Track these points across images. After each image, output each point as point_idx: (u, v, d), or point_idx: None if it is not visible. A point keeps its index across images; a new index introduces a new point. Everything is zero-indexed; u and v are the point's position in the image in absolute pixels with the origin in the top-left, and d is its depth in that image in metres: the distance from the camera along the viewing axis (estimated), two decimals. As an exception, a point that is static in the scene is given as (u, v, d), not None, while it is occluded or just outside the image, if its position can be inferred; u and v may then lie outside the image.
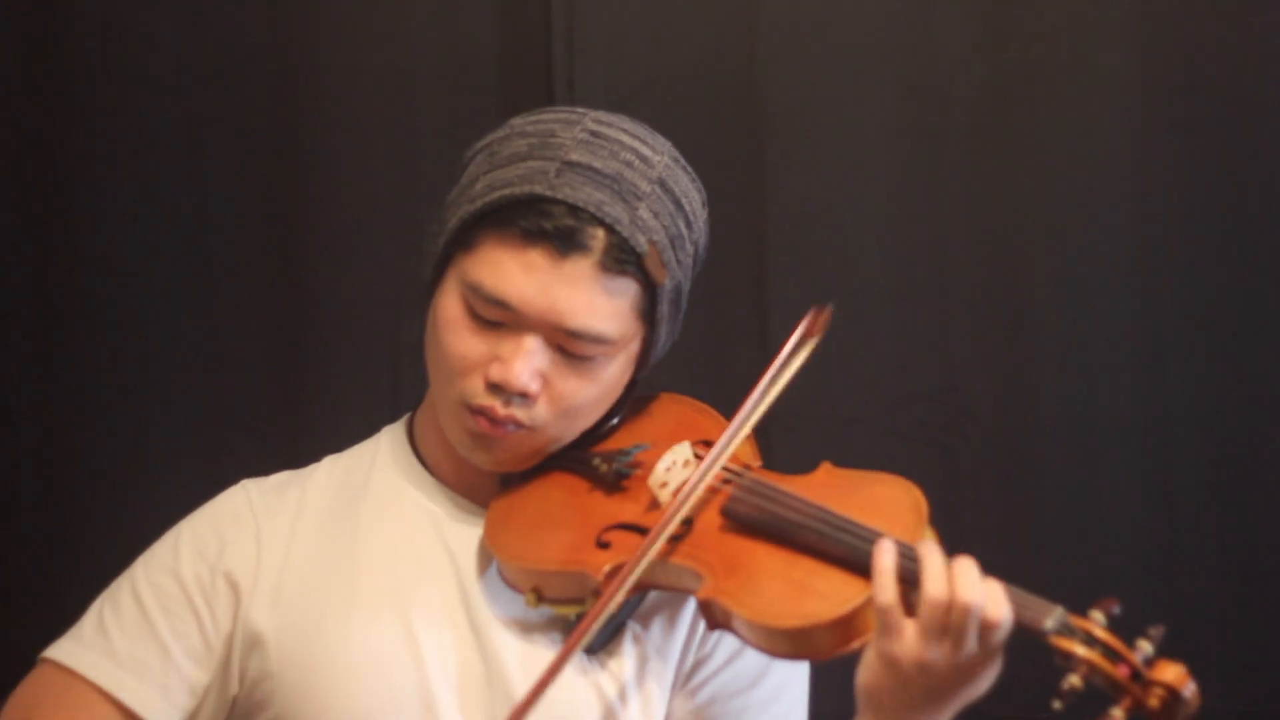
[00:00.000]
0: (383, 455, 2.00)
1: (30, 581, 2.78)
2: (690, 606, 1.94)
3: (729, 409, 2.85)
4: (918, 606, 1.73)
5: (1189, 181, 2.84)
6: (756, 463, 1.95)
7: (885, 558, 1.74)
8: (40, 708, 1.90)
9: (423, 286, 1.95)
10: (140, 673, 1.90)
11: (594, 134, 1.88)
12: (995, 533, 2.82)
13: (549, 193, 1.83)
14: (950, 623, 1.71)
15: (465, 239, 1.87)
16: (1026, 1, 2.84)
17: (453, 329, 1.87)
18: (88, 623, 1.94)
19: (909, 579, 1.74)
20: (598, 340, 1.86)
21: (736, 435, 1.90)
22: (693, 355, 2.84)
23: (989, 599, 1.72)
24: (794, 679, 1.97)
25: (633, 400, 2.00)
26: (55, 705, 1.90)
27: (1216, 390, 2.83)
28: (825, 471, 1.94)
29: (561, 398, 1.88)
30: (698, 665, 1.93)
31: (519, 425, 1.88)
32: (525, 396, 1.86)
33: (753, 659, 1.93)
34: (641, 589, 1.87)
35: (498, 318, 1.86)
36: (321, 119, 2.82)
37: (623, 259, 1.85)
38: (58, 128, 2.81)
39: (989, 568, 2.81)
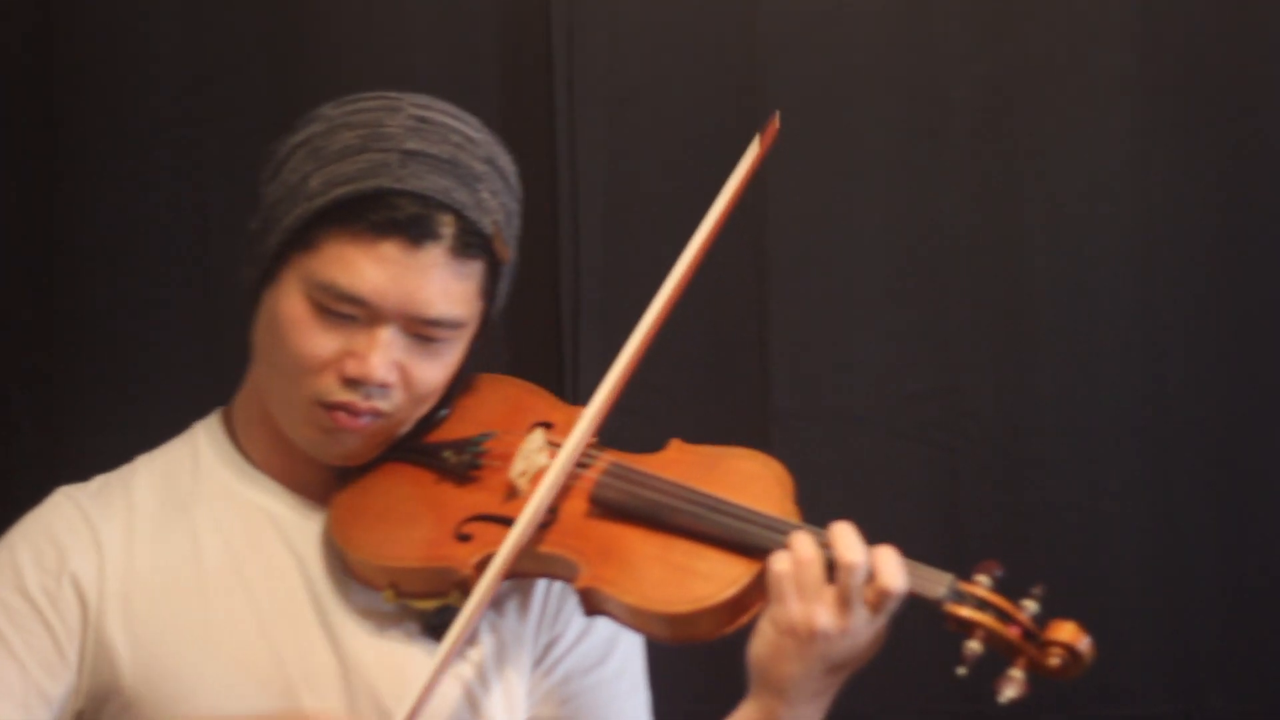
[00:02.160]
0: (205, 454, 1.96)
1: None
2: (539, 589, 1.94)
3: (729, 408, 2.86)
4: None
5: (1189, 181, 2.84)
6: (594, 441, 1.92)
7: (803, 545, 1.77)
8: None
9: (244, 287, 1.92)
10: (1, 694, 1.86)
11: (420, 119, 1.87)
12: (995, 533, 2.82)
13: (396, 185, 1.82)
14: (836, 585, 1.75)
15: (305, 238, 1.85)
16: (1026, 1, 2.84)
17: (300, 328, 1.85)
18: None
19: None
20: (454, 325, 1.86)
21: (595, 419, 1.88)
22: (693, 355, 2.85)
23: (881, 564, 1.76)
24: (635, 650, 1.99)
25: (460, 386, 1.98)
26: None
27: (1216, 390, 2.83)
28: (677, 449, 1.92)
29: (416, 384, 1.87)
30: (550, 646, 1.94)
31: (378, 415, 1.87)
32: (384, 387, 1.85)
33: (599, 635, 1.95)
34: (514, 578, 1.86)
35: (352, 313, 1.84)
36: (321, 119, 2.82)
37: (472, 243, 1.85)
38: (58, 128, 2.81)
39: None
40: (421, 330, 1.86)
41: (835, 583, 1.76)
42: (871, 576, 1.76)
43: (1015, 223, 2.84)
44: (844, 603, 1.76)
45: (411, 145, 1.85)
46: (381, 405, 1.86)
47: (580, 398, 2.78)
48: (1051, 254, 2.84)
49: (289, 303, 1.86)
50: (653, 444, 1.96)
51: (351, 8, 2.82)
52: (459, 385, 1.95)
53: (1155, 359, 2.83)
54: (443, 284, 1.85)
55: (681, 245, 2.84)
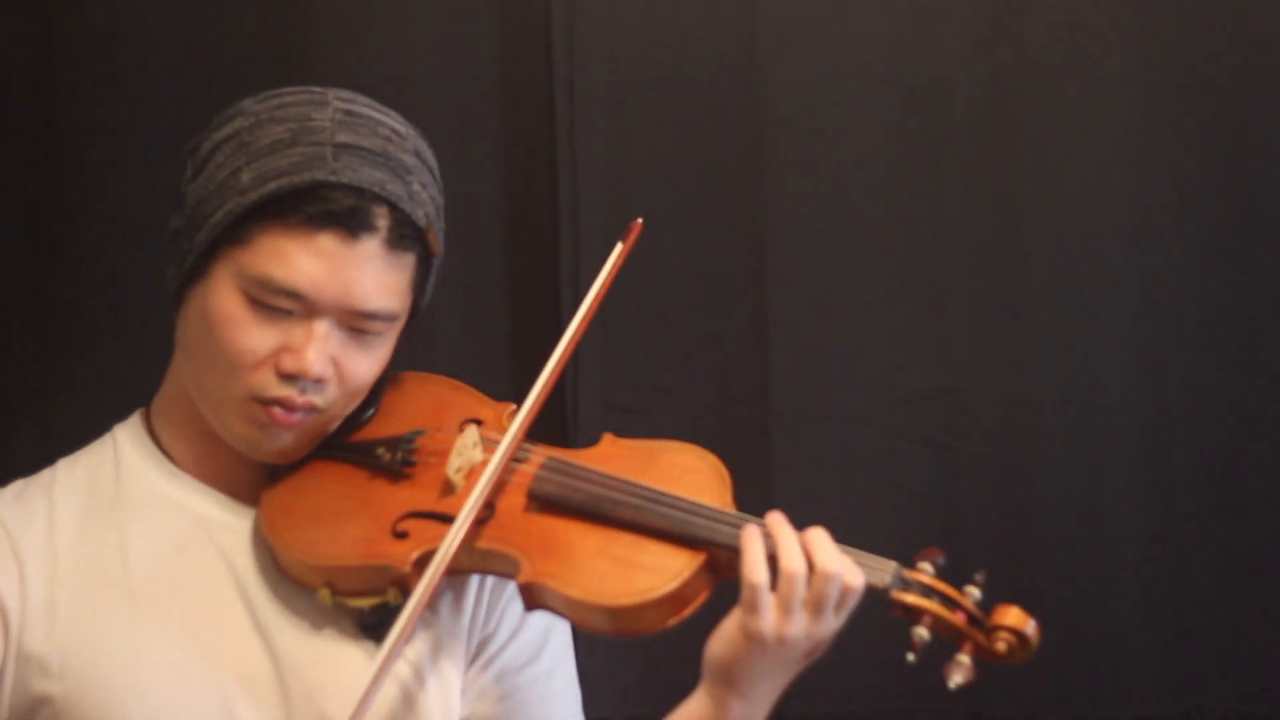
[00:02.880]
0: (127, 456, 1.94)
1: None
2: (473, 586, 1.93)
3: (729, 409, 2.86)
4: (775, 581, 1.77)
5: (1189, 181, 2.83)
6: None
7: (753, 541, 1.77)
8: None
9: (168, 286, 1.91)
10: None
11: (348, 113, 1.87)
12: (995, 533, 2.81)
13: (331, 177, 1.81)
14: (811, 594, 1.76)
15: (237, 233, 1.83)
16: (1026, 1, 2.84)
17: (234, 325, 1.84)
18: None
19: (729, 544, 1.78)
20: (389, 318, 1.86)
21: (532, 412, 1.88)
22: (692, 355, 2.85)
23: (845, 567, 1.77)
24: (566, 647, 1.99)
25: (386, 384, 1.97)
26: None
27: (1216, 390, 2.83)
28: (610, 443, 1.93)
29: (351, 377, 1.87)
30: (484, 643, 1.94)
31: (312, 410, 1.86)
32: (319, 381, 1.84)
33: (532, 632, 1.95)
34: (454, 575, 1.85)
35: (288, 307, 1.83)
36: (321, 119, 2.82)
37: (406, 235, 1.85)
38: (58, 128, 2.81)
39: (988, 568, 2.82)
40: (357, 323, 1.85)
41: (810, 590, 1.77)
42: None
43: (1015, 223, 2.84)
44: (817, 610, 1.77)
45: (343, 138, 1.84)
46: (316, 400, 1.85)
47: (579, 397, 2.79)
48: (1051, 254, 2.84)
49: (220, 299, 1.84)
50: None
51: (351, 8, 2.82)
52: (385, 382, 1.94)
53: (1155, 359, 2.83)
54: (378, 276, 1.84)
55: (681, 245, 2.85)
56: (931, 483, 2.84)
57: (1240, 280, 2.83)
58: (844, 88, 2.84)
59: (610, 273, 1.91)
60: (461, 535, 1.81)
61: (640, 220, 1.95)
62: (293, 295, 1.82)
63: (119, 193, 2.82)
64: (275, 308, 1.83)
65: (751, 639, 1.77)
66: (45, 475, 1.96)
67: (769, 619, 1.76)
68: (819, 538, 1.78)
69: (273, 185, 1.82)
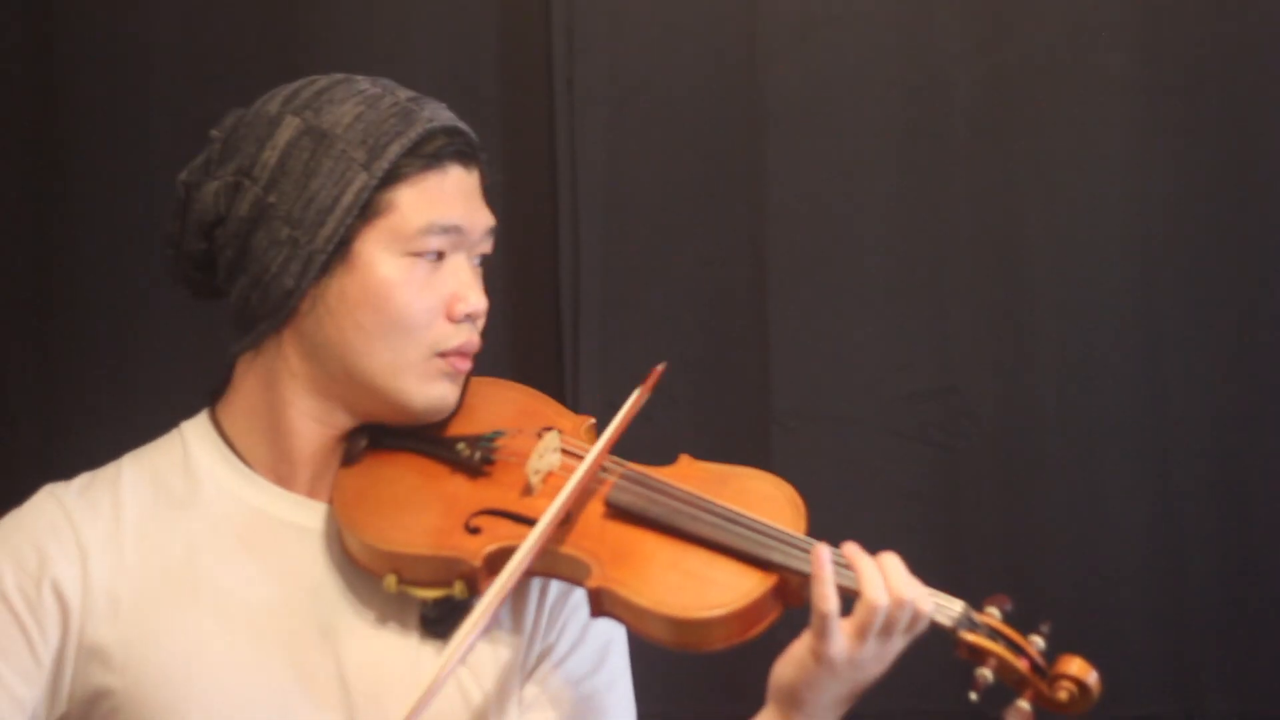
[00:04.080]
0: (195, 454, 1.96)
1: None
2: (533, 597, 1.94)
3: (730, 409, 2.86)
4: (853, 607, 1.77)
5: (1189, 181, 2.83)
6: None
7: (825, 567, 1.78)
8: None
9: (284, 291, 1.91)
10: None
11: (373, 80, 1.96)
12: (995, 533, 2.82)
13: (430, 124, 1.91)
14: (887, 621, 1.77)
15: (370, 208, 1.89)
16: (1026, 1, 2.84)
17: (401, 289, 1.89)
18: None
19: (842, 582, 1.78)
20: (494, 233, 1.97)
21: (625, 421, 1.90)
22: (692, 355, 2.85)
23: (919, 594, 1.78)
24: (625, 663, 2.00)
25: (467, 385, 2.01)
26: None
27: (1216, 390, 2.83)
28: (686, 463, 1.94)
29: (485, 313, 1.95)
30: (544, 654, 1.95)
31: (478, 348, 1.94)
32: (481, 317, 1.93)
33: (592, 646, 1.96)
34: (527, 577, 1.87)
35: (443, 247, 1.90)
36: (321, 119, 2.82)
37: (482, 159, 1.96)
38: (58, 128, 2.81)
39: (989, 568, 2.82)
40: (483, 246, 1.94)
41: (885, 617, 1.78)
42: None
43: (1015, 223, 2.84)
44: (888, 635, 1.78)
45: (404, 94, 1.93)
46: (479, 337, 1.94)
47: (579, 397, 2.79)
48: (1051, 254, 2.84)
49: (376, 273, 1.89)
50: (653, 442, 1.97)
51: (352, 8, 2.83)
52: (466, 382, 1.97)
53: (1155, 359, 2.83)
54: (483, 196, 1.95)
55: (680, 246, 2.85)
56: (931, 483, 2.84)
57: (1240, 280, 2.83)
58: (844, 88, 2.84)
59: (627, 415, 1.92)
60: (542, 536, 1.82)
61: (663, 366, 1.98)
62: (450, 230, 1.90)
63: (119, 193, 2.82)
64: (429, 254, 1.90)
65: (822, 663, 1.78)
66: (111, 469, 1.98)
67: (839, 644, 1.77)
68: (893, 564, 1.79)
69: (395, 147, 1.89)
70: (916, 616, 1.78)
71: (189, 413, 2.63)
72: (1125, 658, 2.79)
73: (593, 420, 1.96)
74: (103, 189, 2.81)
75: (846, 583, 1.78)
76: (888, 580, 1.78)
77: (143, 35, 2.82)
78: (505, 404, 2.00)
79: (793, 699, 1.81)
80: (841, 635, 1.77)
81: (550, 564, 1.86)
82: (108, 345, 2.81)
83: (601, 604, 1.83)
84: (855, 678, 1.79)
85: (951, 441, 2.83)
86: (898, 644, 1.79)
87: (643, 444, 1.94)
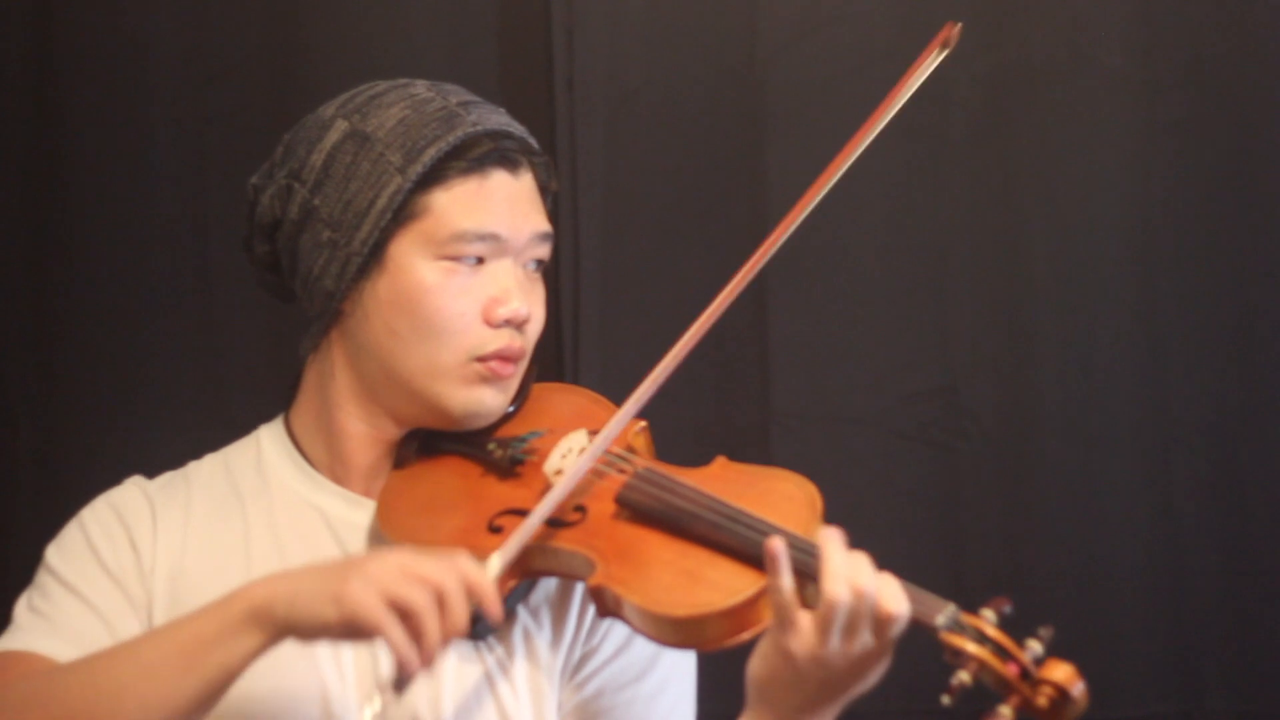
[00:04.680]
0: (267, 454, 2.02)
1: (31, 581, 2.77)
2: (577, 599, 1.96)
3: (728, 409, 2.86)
4: (815, 600, 1.75)
5: (1189, 181, 2.84)
6: (649, 455, 1.96)
7: (779, 557, 1.76)
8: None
9: (324, 294, 1.94)
10: (83, 645, 1.88)
11: (429, 84, 1.97)
12: (995, 533, 2.82)
13: (475, 128, 1.92)
14: (851, 616, 1.74)
15: (405, 212, 1.91)
16: (1026, 1, 2.84)
17: (437, 293, 1.91)
18: (20, 616, 1.94)
19: (805, 572, 1.76)
20: (550, 238, 1.97)
21: (624, 419, 1.91)
22: (693, 355, 2.84)
23: (884, 592, 1.74)
24: (680, 672, 1.99)
25: (532, 389, 2.02)
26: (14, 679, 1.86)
27: (1216, 391, 2.83)
28: (720, 465, 1.94)
29: (536, 319, 1.97)
30: (586, 658, 1.96)
31: (522, 354, 1.95)
32: (525, 323, 1.95)
33: (640, 652, 1.96)
34: (533, 575, 1.89)
35: (480, 252, 1.91)
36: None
37: (538, 164, 1.98)
38: (58, 129, 2.81)
39: (989, 568, 2.81)
40: (533, 251, 1.95)
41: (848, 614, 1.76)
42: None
43: (1015, 223, 2.84)
44: (851, 632, 1.75)
45: (457, 99, 1.95)
46: (524, 343, 1.95)
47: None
48: (1051, 254, 2.84)
49: (411, 276, 1.91)
50: (653, 443, 1.97)
51: (352, 8, 2.83)
52: (530, 383, 2.00)
53: (1155, 359, 2.83)
54: (537, 202, 1.96)
55: (679, 246, 2.85)
56: (931, 483, 2.84)
57: (1240, 279, 2.83)
58: (844, 88, 2.84)
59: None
60: (534, 527, 1.83)
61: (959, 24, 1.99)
62: (488, 238, 1.91)
63: (119, 193, 2.82)
64: (468, 258, 1.91)
65: (784, 657, 1.76)
66: (191, 466, 2.05)
67: (802, 637, 1.75)
68: (857, 559, 1.76)
69: (430, 151, 1.91)
70: (885, 617, 1.74)
71: (190, 412, 2.65)
72: (1125, 657, 2.79)
73: (644, 423, 1.97)
74: (103, 189, 2.81)
75: (814, 574, 1.76)
76: (848, 572, 1.75)
77: (143, 35, 2.82)
78: (563, 406, 2.02)
79: (762, 696, 1.79)
80: (803, 628, 1.75)
81: (556, 561, 1.87)
82: (108, 345, 2.81)
83: (604, 602, 1.83)
84: (824, 678, 1.76)
85: (951, 441, 2.83)
86: (865, 641, 1.75)
87: (655, 444, 1.96)
